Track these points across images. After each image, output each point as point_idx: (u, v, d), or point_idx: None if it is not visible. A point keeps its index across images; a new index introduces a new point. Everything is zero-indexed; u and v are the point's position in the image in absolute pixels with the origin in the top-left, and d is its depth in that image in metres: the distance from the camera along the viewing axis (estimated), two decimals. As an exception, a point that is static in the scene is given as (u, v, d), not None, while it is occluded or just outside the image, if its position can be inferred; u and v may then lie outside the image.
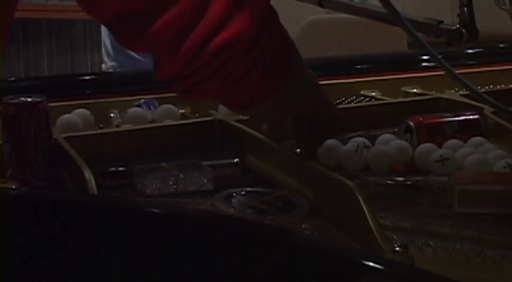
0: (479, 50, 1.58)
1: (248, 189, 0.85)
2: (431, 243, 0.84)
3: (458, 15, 0.95)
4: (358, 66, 1.45)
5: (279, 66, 0.83)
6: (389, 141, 1.08)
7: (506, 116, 1.11)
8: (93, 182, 0.86)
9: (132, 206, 0.72)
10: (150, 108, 1.19)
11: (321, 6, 1.10)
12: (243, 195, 0.83)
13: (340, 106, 1.28)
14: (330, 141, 1.03)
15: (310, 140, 0.97)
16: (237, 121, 1.09)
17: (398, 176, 1.00)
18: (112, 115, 1.17)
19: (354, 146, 1.05)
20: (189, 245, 0.66)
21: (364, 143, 1.06)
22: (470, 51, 1.57)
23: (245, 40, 0.75)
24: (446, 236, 0.86)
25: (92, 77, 1.44)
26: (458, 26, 0.96)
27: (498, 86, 1.43)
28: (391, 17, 0.83)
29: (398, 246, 0.77)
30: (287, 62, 0.84)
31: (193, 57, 0.74)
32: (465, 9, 0.95)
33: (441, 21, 0.97)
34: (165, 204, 0.88)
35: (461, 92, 1.32)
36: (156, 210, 0.68)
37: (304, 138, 0.96)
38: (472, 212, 0.90)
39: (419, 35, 0.86)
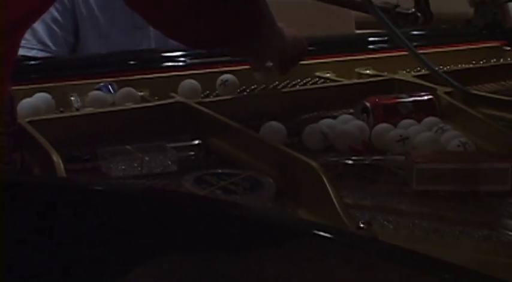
0: (423, 32, 1.61)
1: (218, 170, 0.88)
2: (391, 220, 0.87)
3: (413, -1, 0.99)
4: (312, 48, 1.48)
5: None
6: (348, 122, 1.11)
7: (460, 96, 1.15)
8: (62, 165, 0.87)
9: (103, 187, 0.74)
10: (109, 91, 1.20)
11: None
12: (212, 176, 0.86)
13: (297, 88, 1.30)
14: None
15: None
16: (198, 103, 1.11)
17: (356, 156, 1.03)
18: (72, 98, 1.18)
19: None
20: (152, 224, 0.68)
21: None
22: (415, 32, 1.61)
23: None
24: (406, 213, 0.89)
25: (50, 60, 1.44)
26: (413, 9, 0.99)
27: (448, 67, 1.47)
28: (360, 3, 0.86)
29: (362, 223, 0.80)
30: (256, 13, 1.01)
31: None
32: (421, -7, 0.98)
33: (397, 5, 1.00)
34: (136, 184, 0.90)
35: (413, 73, 1.36)
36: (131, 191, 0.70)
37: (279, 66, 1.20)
38: (429, 190, 0.93)
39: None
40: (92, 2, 1.74)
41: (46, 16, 1.76)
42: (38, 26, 1.74)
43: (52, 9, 1.71)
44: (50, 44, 1.74)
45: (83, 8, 1.73)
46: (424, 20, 0.98)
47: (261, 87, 1.30)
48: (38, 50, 1.71)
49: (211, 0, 0.96)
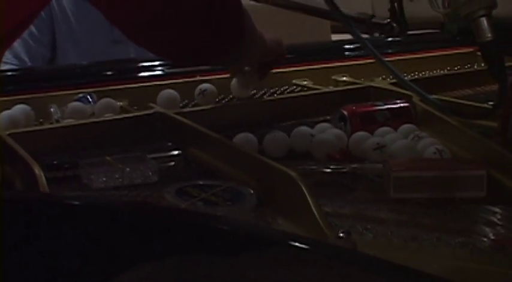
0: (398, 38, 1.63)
1: (199, 182, 0.89)
2: (370, 228, 0.88)
3: (389, 10, 1.00)
4: (289, 56, 1.49)
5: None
6: (326, 130, 1.13)
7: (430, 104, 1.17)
8: (43, 177, 0.88)
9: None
10: (89, 102, 1.21)
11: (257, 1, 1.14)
12: (193, 188, 0.87)
13: (275, 97, 1.32)
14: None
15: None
16: (177, 113, 1.12)
17: (335, 164, 1.05)
18: (52, 109, 1.18)
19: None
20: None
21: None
22: (390, 39, 1.62)
23: None
24: (385, 221, 0.91)
25: (29, 71, 1.44)
26: (389, 20, 1.01)
27: (423, 73, 1.49)
28: (331, 12, 0.89)
29: (341, 233, 0.81)
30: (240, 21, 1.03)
31: None
32: (395, 4, 0.99)
33: (373, 16, 1.02)
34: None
35: (388, 80, 1.37)
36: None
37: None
38: (406, 197, 0.95)
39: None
40: (71, 16, 1.74)
41: None
42: None
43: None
44: (25, 59, 1.73)
45: (61, 23, 1.73)
46: (400, 30, 0.99)
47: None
48: (13, 64, 1.70)
49: (193, 15, 0.98)
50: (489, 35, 0.85)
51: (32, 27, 1.72)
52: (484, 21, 0.85)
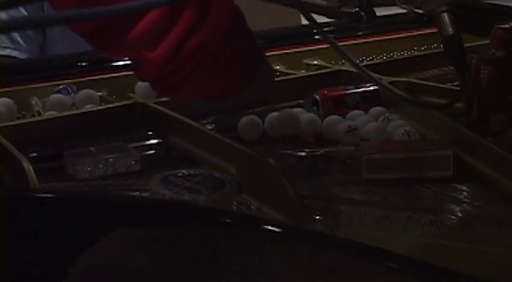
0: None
1: (182, 171, 0.93)
2: (344, 209, 0.94)
3: (356, -4, 1.04)
4: (261, 42, 1.53)
5: (248, 61, 0.98)
6: (300, 115, 1.17)
7: (403, 86, 1.22)
8: (33, 172, 0.92)
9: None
10: (69, 93, 1.25)
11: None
12: (176, 177, 0.91)
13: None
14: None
15: None
16: (157, 103, 1.16)
17: (308, 148, 1.09)
18: (33, 102, 1.22)
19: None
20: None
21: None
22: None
23: (215, 42, 0.86)
24: (358, 202, 0.96)
25: (9, 65, 1.47)
26: (357, 9, 1.05)
27: (391, 54, 1.54)
28: None
29: (318, 215, 0.86)
30: (254, 57, 0.99)
31: (170, 58, 0.83)
32: (363, -7, 1.04)
33: (341, 5, 1.06)
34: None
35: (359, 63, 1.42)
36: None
37: None
38: (378, 178, 1.00)
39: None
40: None
41: (18, 17, 1.81)
42: None
43: (23, 11, 1.78)
44: (22, 42, 1.81)
45: (50, 9, 1.79)
46: (368, 19, 1.03)
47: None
48: (12, 49, 1.81)
49: None
50: (450, 29, 0.90)
51: (25, 13, 1.79)
52: (446, 16, 0.90)
